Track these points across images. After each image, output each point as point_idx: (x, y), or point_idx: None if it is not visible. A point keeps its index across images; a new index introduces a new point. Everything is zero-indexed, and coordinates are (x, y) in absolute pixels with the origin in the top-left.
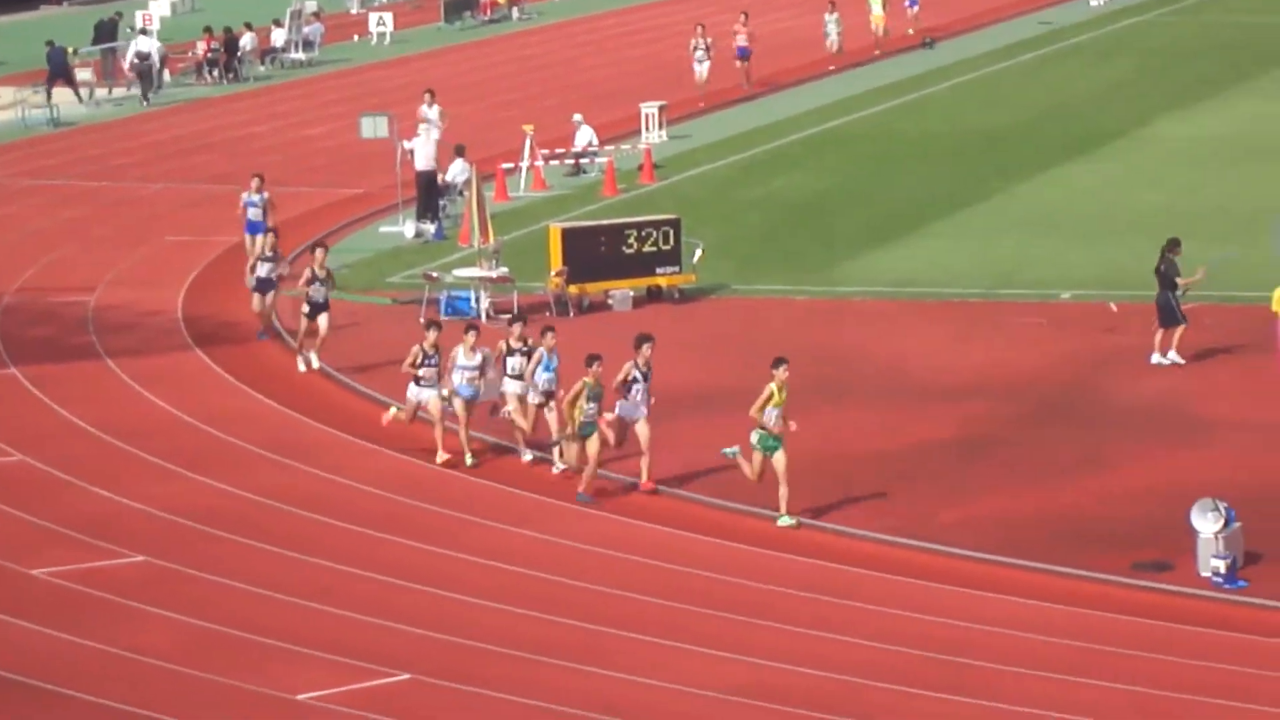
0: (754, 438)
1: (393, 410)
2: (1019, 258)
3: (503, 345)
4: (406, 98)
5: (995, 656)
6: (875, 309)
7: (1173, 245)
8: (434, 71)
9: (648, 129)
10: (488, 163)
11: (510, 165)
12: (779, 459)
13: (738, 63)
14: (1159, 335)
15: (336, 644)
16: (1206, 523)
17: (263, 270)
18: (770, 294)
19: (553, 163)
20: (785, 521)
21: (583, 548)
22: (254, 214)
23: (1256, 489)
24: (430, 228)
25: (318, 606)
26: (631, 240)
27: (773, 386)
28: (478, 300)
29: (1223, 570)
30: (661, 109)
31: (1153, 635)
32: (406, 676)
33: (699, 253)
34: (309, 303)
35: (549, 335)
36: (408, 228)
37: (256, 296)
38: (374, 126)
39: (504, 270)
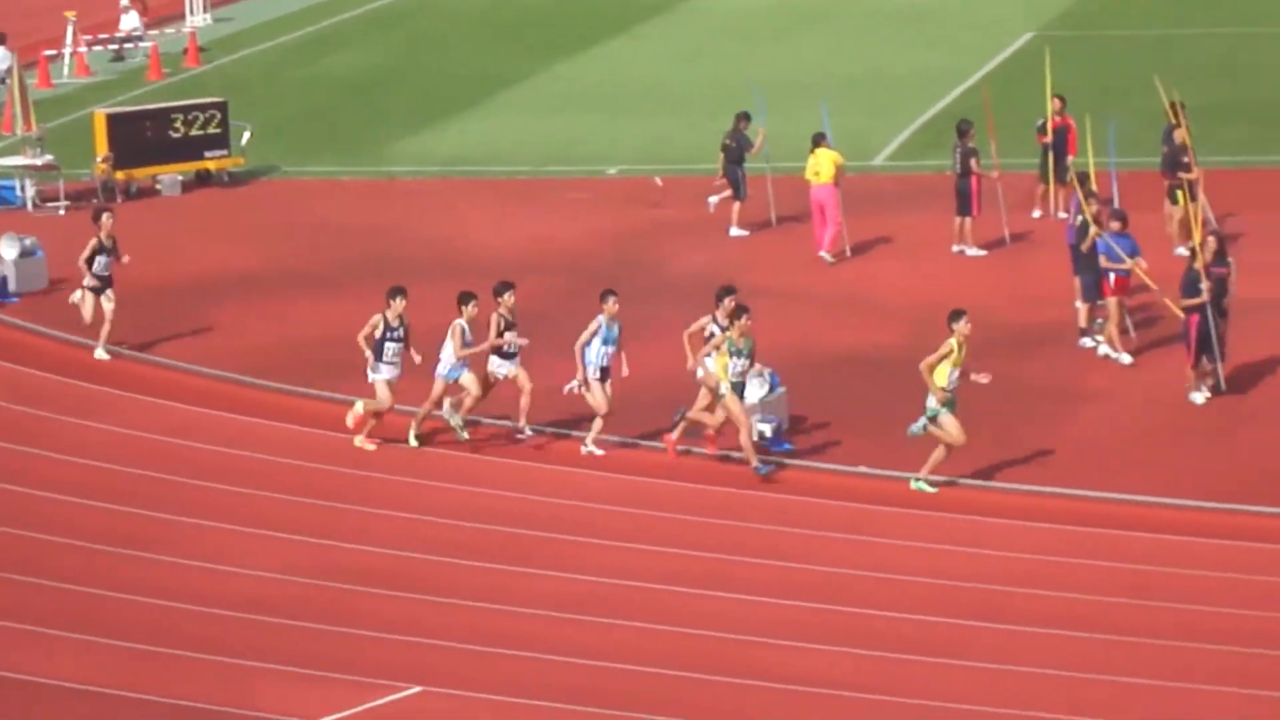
0: (932, 403)
1: (358, 406)
2: (566, 134)
3: (496, 318)
4: None
5: (555, 527)
6: (425, 188)
7: (743, 117)
8: None
9: (192, 12)
10: (29, 50)
11: (53, 52)
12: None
13: None
14: (736, 208)
15: None
16: (751, 388)
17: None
18: (320, 175)
19: (96, 48)
20: (921, 485)
21: (141, 435)
22: None
23: (798, 354)
24: None
25: None
26: (178, 124)
27: (953, 342)
28: (23, 189)
29: (769, 434)
30: None
31: (703, 500)
32: None
33: (247, 135)
34: (96, 278)
35: (610, 300)
36: None
37: None
38: None
39: (49, 158)
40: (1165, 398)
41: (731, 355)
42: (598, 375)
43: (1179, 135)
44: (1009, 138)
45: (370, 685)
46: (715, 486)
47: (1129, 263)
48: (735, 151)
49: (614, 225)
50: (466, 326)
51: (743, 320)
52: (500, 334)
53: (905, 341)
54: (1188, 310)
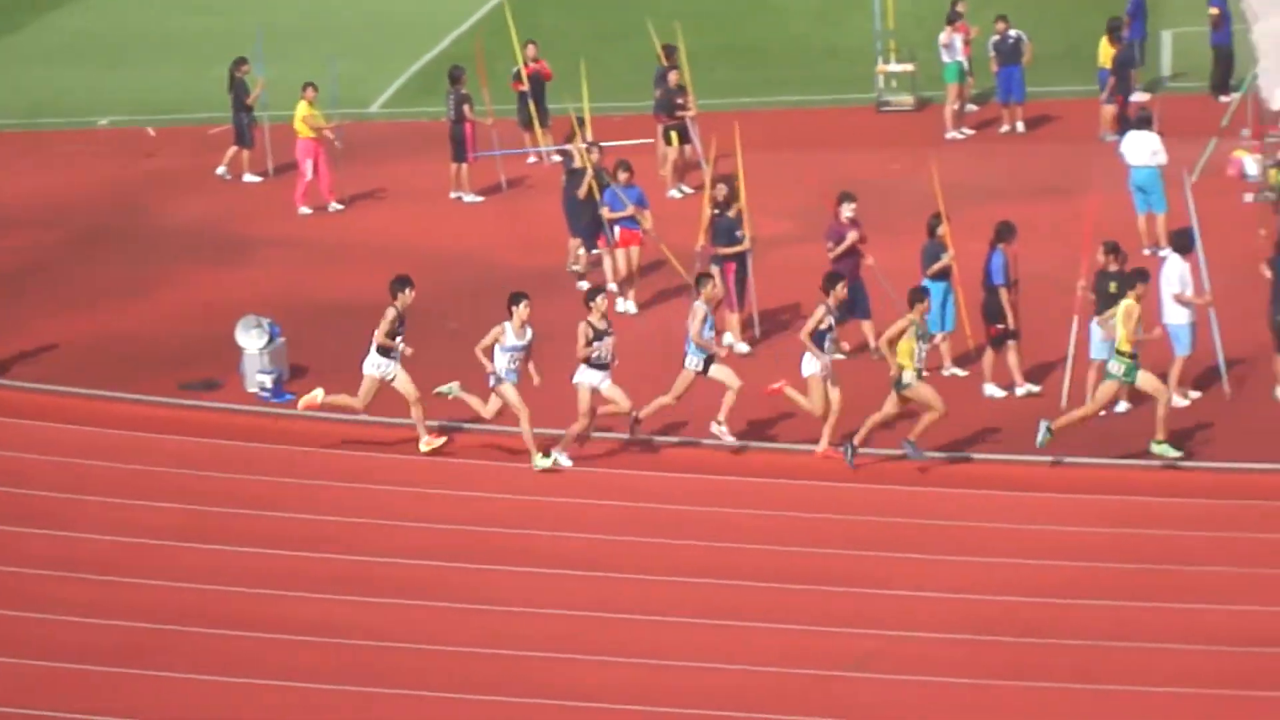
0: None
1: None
2: (55, 85)
3: (585, 327)
4: None
5: (52, 485)
6: None
7: (240, 63)
8: None
9: None
10: None
11: None
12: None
13: None
14: (232, 153)
15: None
16: (251, 339)
17: None
18: None
19: None
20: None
21: None
22: None
23: (296, 304)
24: None
25: None
26: None
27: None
28: None
29: (269, 385)
30: None
31: (205, 453)
32: None
33: None
34: None
35: (709, 284)
36: None
37: None
38: None
39: None
40: (661, 343)
41: (918, 339)
42: (700, 368)
43: (674, 78)
44: (501, 84)
45: None
46: (209, 439)
47: (631, 208)
48: (237, 99)
49: (108, 176)
50: (510, 330)
51: (925, 302)
52: (589, 343)
53: None
54: (725, 259)
